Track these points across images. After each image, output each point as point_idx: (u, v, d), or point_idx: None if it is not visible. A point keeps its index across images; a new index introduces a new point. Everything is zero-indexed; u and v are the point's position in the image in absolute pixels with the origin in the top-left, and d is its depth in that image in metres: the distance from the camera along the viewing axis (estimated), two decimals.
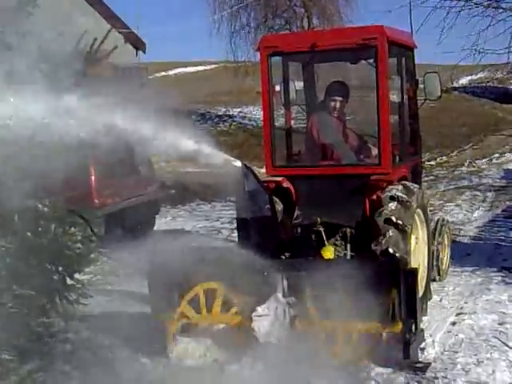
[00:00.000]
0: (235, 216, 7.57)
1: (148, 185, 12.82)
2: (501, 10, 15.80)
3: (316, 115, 8.24)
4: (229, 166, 6.65)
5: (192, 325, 6.61)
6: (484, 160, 23.46)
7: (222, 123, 32.52)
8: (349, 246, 7.58)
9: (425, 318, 7.28)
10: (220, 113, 34.44)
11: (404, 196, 7.22)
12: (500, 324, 7.41)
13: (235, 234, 7.89)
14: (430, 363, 6.29)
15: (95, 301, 4.98)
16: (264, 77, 7.99)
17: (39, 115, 4.42)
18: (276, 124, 8.24)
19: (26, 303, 4.54)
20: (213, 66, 48.77)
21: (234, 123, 32.47)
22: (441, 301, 8.29)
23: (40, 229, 4.74)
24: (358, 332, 6.11)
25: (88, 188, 10.85)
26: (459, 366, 6.28)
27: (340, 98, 8.07)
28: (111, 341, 4.95)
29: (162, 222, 14.15)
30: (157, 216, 13.58)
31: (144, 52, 24.72)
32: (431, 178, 19.87)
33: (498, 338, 6.95)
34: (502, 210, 14.71)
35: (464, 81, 41.60)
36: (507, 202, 15.49)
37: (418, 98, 8.75)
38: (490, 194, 16.92)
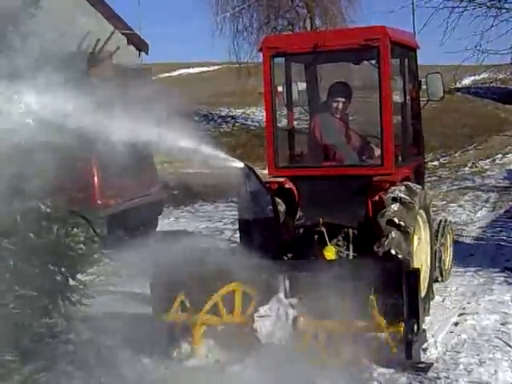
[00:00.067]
0: (238, 217, 7.57)
1: (151, 185, 12.82)
2: (504, 11, 15.81)
3: (318, 116, 8.24)
4: (231, 167, 6.66)
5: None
6: (487, 160, 23.44)
7: (225, 124, 32.55)
8: (351, 246, 7.58)
9: (427, 319, 7.29)
10: (223, 114, 34.48)
11: (406, 197, 7.22)
12: (502, 324, 7.41)
13: (238, 235, 7.89)
14: (432, 363, 6.29)
15: (98, 302, 4.97)
16: (266, 78, 7.99)
17: (41, 116, 4.42)
18: (279, 125, 8.25)
19: (28, 304, 4.53)
20: (215, 66, 48.84)
21: (236, 124, 32.50)
22: (443, 301, 8.29)
23: (42, 229, 4.74)
24: (360, 332, 6.12)
25: (91, 189, 10.85)
26: (461, 366, 6.28)
27: (343, 99, 8.07)
28: (113, 341, 4.93)
29: (164, 223, 14.15)
30: (159, 217, 13.59)
31: (147, 53, 24.76)
32: (434, 178, 19.85)
33: (501, 339, 6.95)
34: (505, 211, 14.70)
35: (467, 81, 41.59)
36: (510, 203, 15.48)
37: (421, 98, 8.75)
38: (492, 195, 16.91)
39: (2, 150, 4.35)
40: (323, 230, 7.46)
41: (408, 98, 8.25)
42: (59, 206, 4.88)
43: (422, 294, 6.81)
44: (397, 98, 8.19)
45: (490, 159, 23.67)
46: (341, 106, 8.06)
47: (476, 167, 22.35)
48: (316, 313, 6.25)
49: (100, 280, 4.98)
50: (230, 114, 34.58)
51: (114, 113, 4.89)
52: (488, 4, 15.74)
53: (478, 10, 15.69)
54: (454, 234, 9.77)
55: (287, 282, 6.42)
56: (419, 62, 8.68)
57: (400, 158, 7.97)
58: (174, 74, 51.20)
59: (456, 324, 7.49)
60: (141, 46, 24.11)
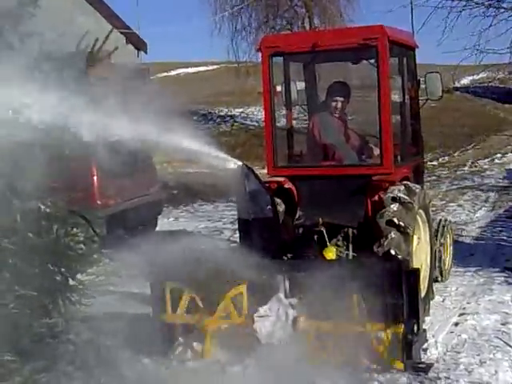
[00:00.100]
0: (237, 217, 7.56)
1: (150, 185, 12.81)
2: (502, 10, 15.83)
3: (317, 115, 8.23)
4: (230, 166, 6.64)
5: (193, 325, 6.62)
6: (486, 160, 23.46)
7: (224, 124, 32.56)
8: (351, 246, 7.57)
9: (427, 319, 7.28)
10: (222, 113, 34.49)
11: (406, 197, 7.21)
12: (503, 324, 7.41)
13: (237, 235, 7.88)
14: (432, 364, 6.28)
15: (97, 301, 4.97)
16: (265, 77, 7.99)
17: (40, 115, 4.41)
18: (277, 124, 8.24)
19: (28, 304, 4.53)
20: (214, 66, 48.81)
21: (235, 124, 32.51)
22: (443, 301, 8.29)
23: (42, 229, 4.73)
24: (360, 332, 6.11)
25: (90, 189, 10.84)
26: (462, 367, 6.28)
27: (341, 98, 8.06)
28: (113, 342, 4.93)
29: (164, 223, 14.15)
30: (159, 216, 13.59)
31: (145, 52, 24.72)
32: (433, 178, 19.86)
33: (501, 339, 6.95)
34: (505, 210, 14.71)
35: (466, 81, 41.61)
36: (510, 203, 15.48)
37: (420, 98, 8.74)
38: (492, 194, 16.92)
39: (1, 150, 4.34)
40: (323, 229, 7.46)
41: (407, 97, 8.25)
42: (59, 205, 4.87)
43: (422, 294, 6.80)
44: (395, 97, 8.19)
45: (489, 159, 23.68)
46: (340, 105, 8.05)
47: (475, 167, 22.37)
48: (316, 313, 6.24)
49: (100, 280, 4.97)
50: (229, 113, 34.60)
51: (113, 112, 4.88)
52: (486, 4, 15.75)
53: (477, 9, 15.71)
54: (453, 234, 9.77)
55: (287, 282, 6.41)
56: (418, 62, 8.67)
57: (399, 158, 7.97)
58: (173, 73, 51.17)
59: (456, 324, 7.48)
60: (139, 45, 24.07)
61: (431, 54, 31.41)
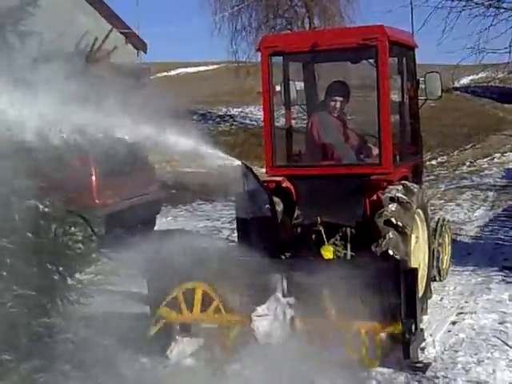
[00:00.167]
0: (235, 216, 7.57)
1: (149, 185, 12.82)
2: (502, 10, 15.86)
3: (316, 115, 8.24)
4: (229, 165, 6.65)
5: (190, 324, 6.63)
6: (485, 159, 23.47)
7: (223, 123, 32.57)
8: (349, 245, 7.57)
9: (425, 318, 7.28)
10: (221, 113, 34.49)
11: (404, 197, 7.21)
12: (500, 323, 7.41)
13: (236, 234, 7.89)
14: (430, 363, 6.29)
15: (96, 301, 4.98)
16: (264, 77, 7.99)
17: (39, 114, 4.42)
18: (276, 124, 8.24)
19: (27, 303, 4.54)
20: (214, 66, 48.83)
21: (234, 123, 32.52)
22: (441, 300, 8.30)
23: (40, 229, 4.74)
24: (358, 332, 6.11)
25: (89, 188, 10.85)
26: (460, 366, 6.29)
27: (340, 98, 8.07)
28: (111, 341, 4.94)
29: (162, 222, 14.15)
30: (157, 216, 13.59)
31: (145, 52, 24.77)
32: (432, 177, 19.88)
33: (499, 338, 6.96)
34: (503, 210, 14.72)
35: (465, 81, 41.64)
36: (508, 202, 15.50)
37: (419, 97, 8.75)
38: (490, 194, 16.93)
39: (0, 150, 4.35)
40: (321, 229, 7.46)
41: (406, 97, 8.26)
42: (57, 205, 4.88)
43: (420, 293, 6.80)
44: (395, 97, 8.20)
45: (488, 158, 23.70)
46: (339, 105, 8.06)
47: (474, 166, 22.39)
48: (314, 312, 6.25)
49: (98, 279, 4.98)
50: (229, 113, 34.60)
51: (112, 112, 4.88)
52: (486, 4, 15.77)
53: (476, 9, 15.74)
54: (451, 233, 9.77)
55: (285, 282, 6.42)
56: (417, 62, 8.68)
57: (398, 157, 7.97)
58: (173, 73, 51.18)
59: (454, 323, 7.49)
60: (139, 45, 24.11)
61: (431, 54, 31.47)
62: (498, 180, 19.28)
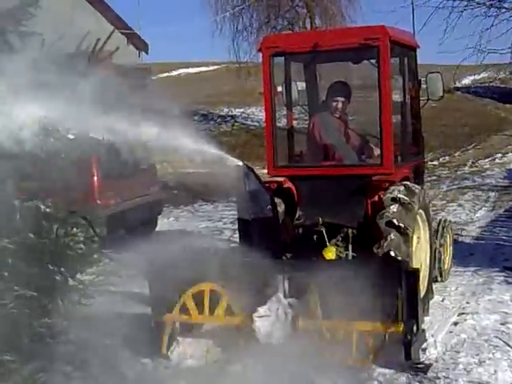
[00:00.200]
0: (237, 216, 7.57)
1: (150, 185, 12.82)
2: (504, 10, 15.86)
3: (318, 115, 8.23)
4: (230, 166, 6.65)
5: (192, 325, 6.63)
6: (487, 160, 23.45)
7: (225, 124, 32.55)
8: (350, 246, 7.56)
9: (427, 318, 7.27)
10: (222, 113, 34.47)
11: (406, 198, 7.20)
12: (502, 324, 7.41)
13: (237, 235, 7.88)
14: (431, 363, 6.29)
15: (97, 301, 4.98)
16: (266, 77, 7.98)
17: (40, 115, 4.42)
18: (278, 124, 8.24)
19: (28, 304, 4.54)
20: (215, 66, 48.78)
21: (236, 124, 32.50)
22: (443, 301, 8.29)
23: (42, 229, 4.74)
24: (360, 332, 6.11)
25: (90, 189, 10.85)
26: (461, 366, 6.28)
27: (342, 99, 8.06)
28: (113, 341, 4.94)
29: (164, 223, 14.16)
30: (159, 216, 13.59)
31: (146, 53, 24.74)
32: (434, 178, 19.86)
33: (500, 338, 6.95)
34: (505, 210, 14.71)
35: (467, 81, 41.54)
36: (510, 202, 15.48)
37: (421, 98, 8.74)
38: (492, 194, 16.92)
39: (2, 151, 4.35)
40: (322, 229, 7.46)
41: (408, 97, 8.25)
42: (59, 205, 4.88)
43: (422, 293, 6.80)
44: (396, 97, 8.19)
45: (490, 158, 23.68)
46: (340, 105, 8.05)
47: (476, 167, 22.37)
48: (315, 313, 6.25)
49: (99, 280, 4.98)
50: (230, 113, 34.58)
51: (114, 113, 4.89)
52: (487, 4, 15.77)
53: (478, 9, 15.74)
54: (453, 234, 9.77)
55: (286, 282, 6.42)
56: (419, 62, 8.67)
57: (399, 158, 7.96)
58: (174, 73, 51.12)
59: (455, 324, 7.48)
60: (140, 45, 24.09)
61: (432, 54, 31.47)
62: (500, 180, 19.26)
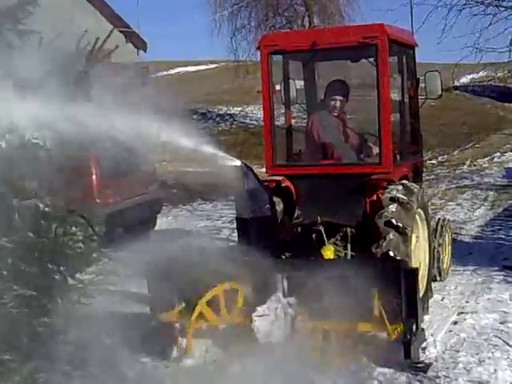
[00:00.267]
0: (235, 215, 7.56)
1: (149, 184, 12.80)
2: (502, 9, 15.86)
3: (316, 114, 8.22)
4: (229, 165, 6.64)
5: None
6: (485, 159, 23.45)
7: (223, 122, 32.55)
8: (349, 245, 7.55)
9: (426, 318, 7.27)
10: (221, 112, 34.47)
11: (404, 197, 7.18)
12: (501, 323, 7.41)
13: (236, 234, 7.87)
14: (431, 363, 6.29)
15: (96, 301, 4.97)
16: (264, 76, 7.97)
17: (40, 115, 4.41)
18: (276, 123, 8.23)
19: (27, 303, 4.53)
20: (214, 65, 48.81)
21: (234, 122, 32.50)
22: (442, 300, 8.29)
23: (41, 228, 4.74)
24: (358, 332, 6.11)
25: (89, 187, 10.84)
26: (461, 365, 6.28)
27: (340, 97, 8.06)
28: (112, 341, 4.94)
29: (163, 222, 14.14)
30: (158, 215, 13.58)
31: (145, 51, 24.72)
32: (432, 176, 19.85)
33: (500, 337, 6.95)
34: (504, 209, 14.70)
35: (465, 80, 41.60)
36: (508, 201, 15.47)
37: (419, 96, 8.74)
38: (491, 193, 16.91)
39: (1, 150, 4.34)
40: (321, 228, 7.44)
41: (406, 96, 8.25)
42: (58, 204, 4.87)
43: (421, 293, 6.79)
44: (395, 96, 8.18)
45: (489, 157, 23.68)
46: (338, 104, 8.04)
47: (474, 165, 22.37)
48: (314, 312, 6.24)
49: (99, 279, 4.98)
50: (229, 112, 34.58)
51: (112, 111, 4.88)
52: (486, 2, 15.78)
53: (476, 8, 15.75)
54: (452, 233, 9.76)
55: (285, 281, 6.41)
56: (417, 60, 8.66)
57: (398, 157, 7.96)
58: (172, 72, 51.13)
59: (455, 323, 7.48)
60: (139, 44, 24.07)
61: (431, 53, 31.49)
62: (499, 179, 19.26)
